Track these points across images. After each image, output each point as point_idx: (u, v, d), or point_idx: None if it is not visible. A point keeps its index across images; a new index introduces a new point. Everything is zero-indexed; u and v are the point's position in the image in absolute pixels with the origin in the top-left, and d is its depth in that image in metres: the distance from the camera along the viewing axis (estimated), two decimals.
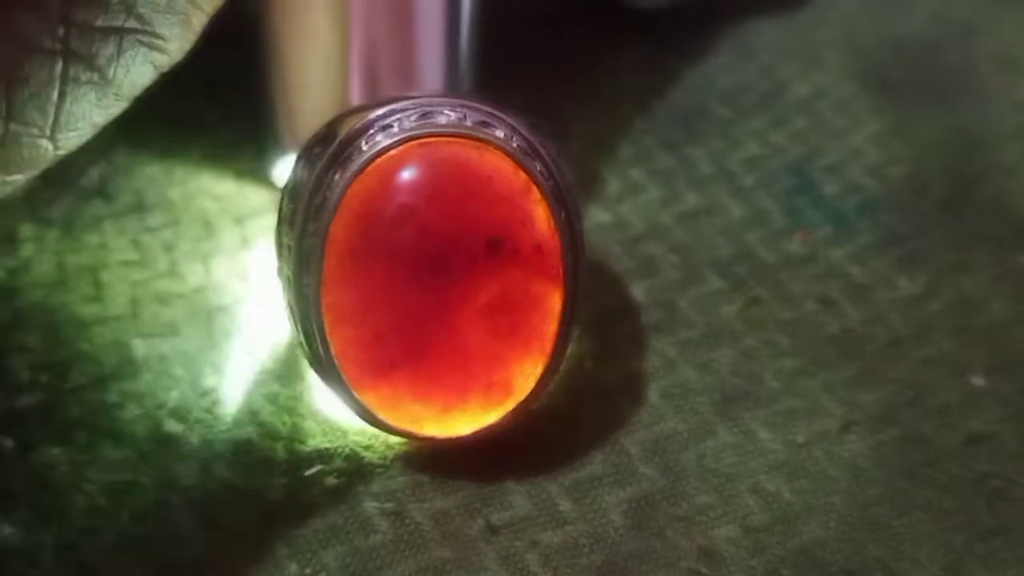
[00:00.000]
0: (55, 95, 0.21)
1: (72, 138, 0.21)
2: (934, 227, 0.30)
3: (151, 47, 0.22)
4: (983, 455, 0.25)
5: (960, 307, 0.28)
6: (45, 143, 0.21)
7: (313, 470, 0.24)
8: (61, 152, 0.21)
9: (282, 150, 0.29)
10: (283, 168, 0.28)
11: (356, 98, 0.27)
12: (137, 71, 0.22)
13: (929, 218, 0.30)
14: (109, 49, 0.21)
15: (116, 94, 0.22)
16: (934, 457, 0.25)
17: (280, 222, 0.24)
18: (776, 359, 0.27)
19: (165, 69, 0.22)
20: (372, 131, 0.23)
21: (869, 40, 0.36)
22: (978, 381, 0.26)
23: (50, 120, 0.21)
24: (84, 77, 0.21)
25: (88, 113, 0.21)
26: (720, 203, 0.30)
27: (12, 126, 0.20)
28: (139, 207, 0.29)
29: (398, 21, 0.26)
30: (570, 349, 0.24)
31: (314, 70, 0.27)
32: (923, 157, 0.32)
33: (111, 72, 0.21)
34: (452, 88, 0.27)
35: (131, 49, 0.21)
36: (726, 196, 0.30)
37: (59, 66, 0.21)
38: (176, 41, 0.22)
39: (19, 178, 0.21)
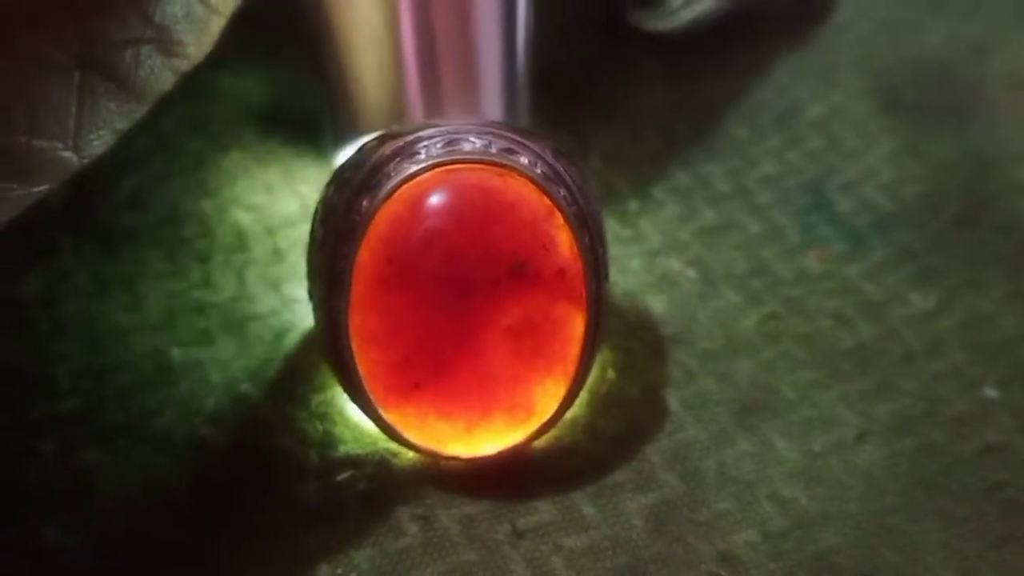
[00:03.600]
0: (73, 108, 0.21)
1: (96, 146, 0.22)
2: (947, 245, 0.31)
3: (170, 54, 0.22)
4: (996, 465, 0.25)
5: (973, 323, 0.29)
6: (68, 154, 0.21)
7: (344, 475, 0.25)
8: (86, 160, 0.22)
9: (341, 142, 0.29)
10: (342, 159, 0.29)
11: (412, 86, 0.27)
12: (156, 77, 0.22)
13: (942, 236, 0.31)
14: (127, 60, 0.21)
15: (136, 100, 0.22)
16: (948, 467, 0.25)
17: (312, 244, 0.25)
18: (793, 371, 0.27)
19: (184, 70, 0.23)
20: (400, 158, 0.24)
21: (884, 62, 0.36)
22: (991, 393, 0.27)
23: (71, 132, 0.21)
24: (101, 88, 0.21)
25: (109, 121, 0.22)
26: (737, 220, 0.31)
27: (34, 141, 0.21)
28: (173, 218, 0.30)
29: (455, 15, 0.27)
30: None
31: (371, 64, 0.27)
32: (937, 176, 0.32)
33: (130, 80, 0.22)
34: (512, 97, 0.28)
35: (149, 58, 0.22)
36: (743, 213, 0.31)
37: (76, 79, 0.21)
38: (195, 45, 0.23)
39: (46, 187, 0.22)
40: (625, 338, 0.28)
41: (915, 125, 0.34)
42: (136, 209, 0.30)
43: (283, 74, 0.33)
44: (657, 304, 0.29)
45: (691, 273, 0.30)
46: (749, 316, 0.29)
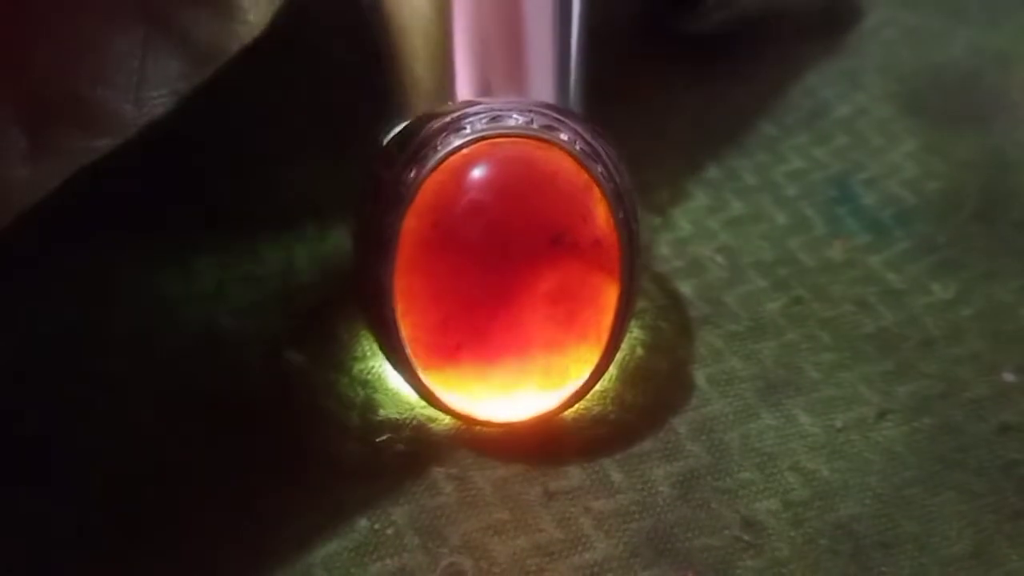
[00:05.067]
0: (137, 61, 0.22)
1: (156, 105, 0.22)
2: (967, 238, 0.32)
3: (231, 19, 0.23)
4: (1013, 444, 0.26)
5: (991, 312, 0.30)
6: (129, 107, 0.22)
7: (384, 437, 0.26)
8: (144, 119, 0.22)
9: (391, 122, 0.30)
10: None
11: (460, 76, 0.28)
12: (217, 40, 0.23)
13: (963, 230, 0.32)
14: (188, 18, 0.22)
15: (197, 62, 0.23)
16: (966, 444, 0.26)
17: (358, 218, 0.26)
18: (816, 352, 0.28)
19: (247, 40, 0.23)
20: (446, 132, 0.25)
21: (908, 67, 0.37)
22: (1009, 378, 0.28)
23: (134, 85, 0.22)
24: (164, 45, 0.22)
25: (170, 80, 0.22)
26: (764, 211, 0.32)
27: (99, 90, 0.21)
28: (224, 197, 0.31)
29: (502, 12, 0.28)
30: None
31: (420, 47, 0.28)
32: (958, 174, 0.33)
33: (191, 39, 0.22)
34: (561, 89, 0.29)
35: (211, 20, 0.22)
36: (770, 205, 0.32)
37: (141, 34, 0.22)
38: (255, 12, 0.23)
39: (106, 143, 0.22)
40: (654, 318, 0.29)
41: (938, 126, 0.35)
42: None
43: (333, 65, 0.35)
44: (686, 287, 0.30)
45: (719, 259, 0.31)
46: (775, 300, 0.30)
